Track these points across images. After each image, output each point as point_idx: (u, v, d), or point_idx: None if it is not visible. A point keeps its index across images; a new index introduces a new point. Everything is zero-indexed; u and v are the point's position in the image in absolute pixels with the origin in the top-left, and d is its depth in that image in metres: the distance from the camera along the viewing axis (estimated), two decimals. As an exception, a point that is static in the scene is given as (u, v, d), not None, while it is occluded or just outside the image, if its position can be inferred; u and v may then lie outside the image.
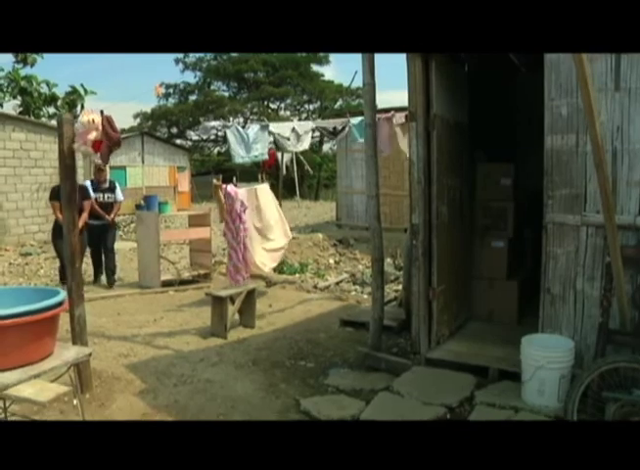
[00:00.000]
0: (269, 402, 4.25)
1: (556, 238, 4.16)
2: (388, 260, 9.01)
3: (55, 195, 7.24)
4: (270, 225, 7.27)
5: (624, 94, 3.90)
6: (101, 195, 8.21)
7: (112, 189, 8.36)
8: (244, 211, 6.44)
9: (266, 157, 7.07)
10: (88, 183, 8.32)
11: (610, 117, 3.94)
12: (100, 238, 8.18)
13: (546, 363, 3.85)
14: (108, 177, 8.51)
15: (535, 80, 4.18)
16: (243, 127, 6.82)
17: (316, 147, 32.15)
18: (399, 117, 6.64)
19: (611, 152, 3.94)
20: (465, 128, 5.34)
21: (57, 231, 7.42)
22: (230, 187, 6.48)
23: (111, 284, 8.24)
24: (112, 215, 8.28)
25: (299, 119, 14.99)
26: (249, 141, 6.34)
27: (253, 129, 6.48)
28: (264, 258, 7.14)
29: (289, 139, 6.72)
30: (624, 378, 3.56)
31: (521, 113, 6.35)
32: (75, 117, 4.34)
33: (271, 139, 6.72)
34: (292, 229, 14.01)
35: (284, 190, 21.01)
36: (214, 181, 6.58)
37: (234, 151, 6.36)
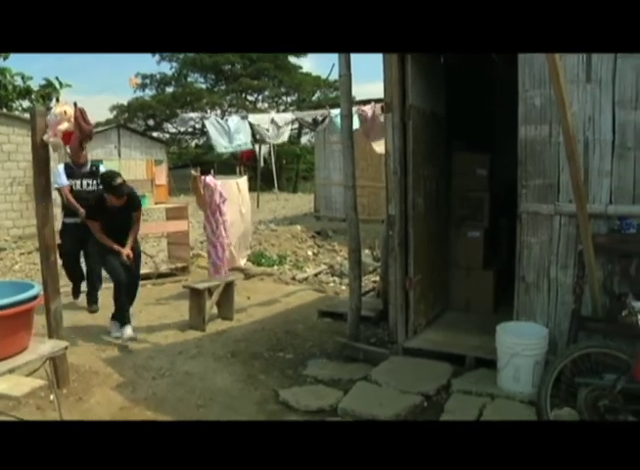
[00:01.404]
0: (248, 394, 4.26)
1: (530, 227, 4.22)
2: (367, 252, 9.05)
3: (94, 212, 5.46)
4: (247, 220, 7.28)
5: (595, 85, 3.96)
6: (78, 182, 6.21)
7: (93, 174, 6.26)
8: (223, 203, 6.41)
9: (250, 146, 7.04)
10: (61, 168, 6.31)
11: (581, 107, 4.01)
12: (78, 240, 6.13)
13: (521, 350, 3.92)
14: (89, 159, 6.43)
15: (513, 72, 4.22)
16: (221, 119, 6.78)
17: (295, 139, 32.06)
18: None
19: (583, 142, 4.01)
20: (441, 119, 5.38)
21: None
22: (209, 178, 6.44)
23: (91, 304, 6.48)
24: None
25: (278, 112, 14.94)
26: (230, 131, 6.31)
27: (234, 120, 6.46)
28: (242, 251, 7.13)
29: (268, 130, 6.69)
30: (596, 363, 3.65)
31: (498, 103, 6.41)
32: (49, 109, 4.28)
33: (254, 130, 6.69)
34: (270, 221, 14.11)
35: (262, 182, 21.01)
36: (192, 172, 6.52)
37: (215, 141, 6.33)
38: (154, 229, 10.51)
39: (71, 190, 6.23)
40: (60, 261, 5.83)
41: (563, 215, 4.09)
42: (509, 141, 4.33)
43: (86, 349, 5.15)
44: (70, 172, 6.29)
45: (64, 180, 6.26)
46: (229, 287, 6.13)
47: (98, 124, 27.79)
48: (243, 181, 7.28)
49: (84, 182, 6.31)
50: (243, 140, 6.48)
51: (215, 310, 6.12)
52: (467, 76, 5.84)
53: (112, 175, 5.34)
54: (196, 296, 5.82)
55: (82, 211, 5.91)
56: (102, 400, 4.12)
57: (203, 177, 6.39)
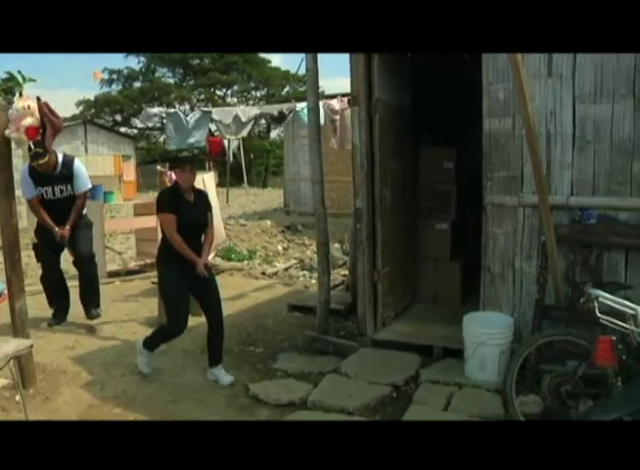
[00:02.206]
0: (218, 388, 4.26)
1: (495, 219, 4.30)
2: (337, 246, 9.09)
3: (165, 204, 4.18)
4: (214, 215, 7.22)
5: (556, 80, 4.05)
6: (49, 189, 5.14)
7: (65, 177, 5.19)
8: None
9: (204, 144, 7.02)
10: (25, 171, 5.15)
11: (543, 101, 4.09)
12: (58, 244, 5.35)
13: (487, 340, 3.99)
14: (59, 159, 5.20)
15: (479, 66, 4.28)
16: (186, 114, 6.75)
17: (264, 134, 31.95)
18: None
19: (545, 135, 4.09)
20: (408, 112, 5.43)
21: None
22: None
23: (93, 317, 5.62)
24: (68, 223, 5.22)
25: (247, 105, 14.90)
26: (188, 127, 6.28)
27: (195, 116, 6.43)
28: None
29: (229, 126, 6.68)
30: (559, 351, 3.73)
31: (465, 97, 6.48)
32: (10, 103, 4.19)
33: (213, 126, 6.67)
34: (239, 217, 14.04)
35: (231, 177, 20.89)
36: (159, 168, 6.47)
37: (169, 137, 6.31)
38: (122, 226, 10.40)
39: (42, 200, 5.17)
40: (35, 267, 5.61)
41: (526, 207, 4.17)
42: (475, 134, 4.39)
43: (53, 347, 5.07)
44: (37, 178, 5.11)
45: (30, 191, 5.16)
46: (198, 283, 6.09)
47: (64, 120, 27.38)
48: (209, 176, 7.23)
49: (56, 188, 5.19)
50: (196, 138, 6.45)
51: (185, 306, 6.07)
52: (433, 70, 5.89)
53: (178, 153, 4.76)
54: (165, 292, 5.77)
55: (57, 230, 5.12)
56: (70, 400, 4.07)
57: (169, 173, 6.34)
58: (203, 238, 4.35)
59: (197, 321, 5.85)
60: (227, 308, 6.31)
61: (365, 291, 4.78)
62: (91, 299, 5.61)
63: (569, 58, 3.98)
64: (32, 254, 5.81)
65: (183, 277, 4.16)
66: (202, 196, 4.41)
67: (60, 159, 5.21)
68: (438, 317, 5.05)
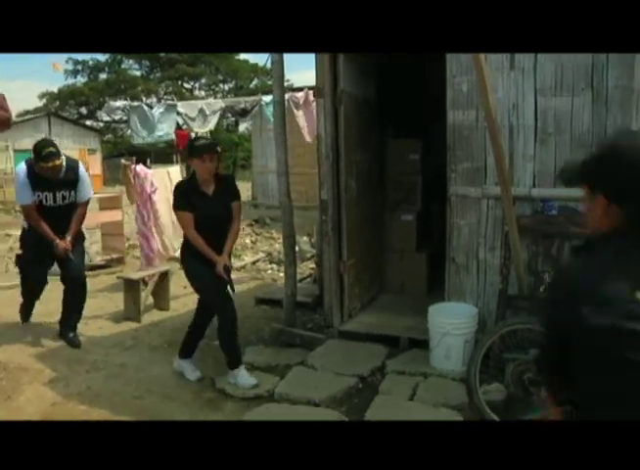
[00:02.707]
0: (185, 383, 4.23)
1: (459, 210, 4.34)
2: (305, 239, 9.08)
3: (180, 201, 3.90)
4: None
5: (519, 73, 4.10)
6: (49, 195, 4.55)
7: (70, 182, 4.62)
8: (154, 192, 6.30)
9: (172, 136, 6.95)
10: (22, 172, 4.49)
11: (506, 94, 4.14)
12: (47, 249, 4.68)
13: (451, 330, 4.04)
14: (62, 161, 4.54)
15: (443, 59, 4.31)
16: (151, 108, 6.67)
17: (232, 127, 31.72)
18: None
19: (507, 127, 4.14)
20: (373, 104, 5.44)
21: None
22: (140, 167, 6.31)
23: (75, 343, 4.92)
24: (69, 234, 4.69)
25: (215, 99, 14.76)
26: (153, 121, 6.20)
27: (159, 109, 6.35)
28: (175, 241, 7.02)
29: (194, 120, 6.62)
30: (522, 339, 3.80)
31: (431, 89, 6.51)
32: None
33: (179, 119, 6.60)
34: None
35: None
36: (123, 161, 6.38)
37: (134, 131, 6.23)
38: (87, 220, 10.22)
39: (40, 207, 4.55)
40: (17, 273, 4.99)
41: (490, 198, 4.22)
42: (441, 126, 4.42)
43: (15, 345, 4.97)
44: (37, 181, 4.48)
45: (27, 195, 4.52)
46: (164, 277, 6.04)
47: (27, 112, 26.76)
48: (175, 170, 7.16)
49: (58, 195, 4.59)
50: (165, 131, 6.38)
51: (151, 301, 6.03)
52: (399, 63, 5.90)
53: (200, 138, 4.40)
54: (130, 286, 5.72)
55: (58, 241, 4.61)
56: (32, 398, 4.00)
57: (133, 166, 6.26)
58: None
59: (164, 315, 5.82)
60: (193, 302, 6.27)
61: (331, 282, 4.79)
62: (72, 323, 5.06)
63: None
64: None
65: (210, 269, 3.89)
66: (225, 183, 4.05)
67: (64, 161, 4.60)
68: (404, 308, 5.09)
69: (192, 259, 3.96)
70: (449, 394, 3.78)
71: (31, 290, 5.12)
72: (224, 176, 4.20)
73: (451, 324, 4.05)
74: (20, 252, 5.02)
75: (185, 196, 3.87)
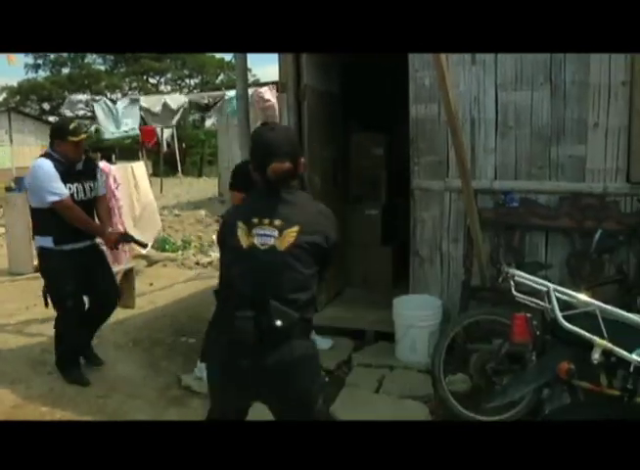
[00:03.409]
0: (150, 381, 4.19)
1: (422, 203, 4.38)
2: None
3: (240, 180, 3.74)
4: (144, 207, 7.06)
5: (480, 67, 4.15)
6: (79, 186, 3.99)
7: (91, 173, 4.14)
8: (117, 188, 6.21)
9: (137, 132, 6.84)
10: (47, 163, 3.87)
11: (467, 88, 4.19)
12: (87, 278, 4.05)
13: (416, 322, 4.08)
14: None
15: (407, 53, 4.33)
16: (114, 102, 6.56)
17: (199, 123, 31.45)
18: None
19: (469, 121, 4.20)
20: (337, 99, 5.44)
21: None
22: (103, 163, 6.21)
23: (99, 363, 4.42)
24: (109, 226, 4.28)
25: (180, 94, 14.62)
26: (117, 115, 6.09)
27: (123, 103, 6.24)
28: (143, 238, 6.94)
29: (158, 115, 6.52)
30: (485, 330, 3.86)
31: (396, 83, 6.54)
32: None
33: (142, 115, 6.50)
34: (174, 207, 13.80)
35: (166, 167, 20.46)
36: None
37: (103, 126, 6.12)
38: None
39: (72, 199, 3.94)
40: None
41: (453, 191, 4.27)
42: (406, 121, 4.44)
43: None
44: (64, 172, 3.92)
45: (61, 187, 3.87)
46: (129, 274, 5.97)
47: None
48: (138, 166, 7.06)
49: (86, 186, 4.06)
50: (130, 125, 6.28)
51: (116, 299, 5.94)
52: (364, 58, 5.90)
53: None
54: (94, 285, 5.62)
55: (111, 229, 4.17)
56: (-8, 400, 3.92)
57: (97, 162, 6.16)
58: None
59: (129, 313, 5.74)
60: (159, 300, 6.23)
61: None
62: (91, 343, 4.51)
63: (491, 46, 4.08)
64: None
65: None
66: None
67: None
68: (370, 301, 5.11)
69: None
70: (415, 385, 3.82)
71: (72, 321, 4.17)
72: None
73: (416, 317, 4.09)
74: (45, 285, 4.16)
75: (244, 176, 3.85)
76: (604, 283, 3.80)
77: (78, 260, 3.95)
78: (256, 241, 2.12)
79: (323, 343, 4.37)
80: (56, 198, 3.82)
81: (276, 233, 2.10)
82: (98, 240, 4.19)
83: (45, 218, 3.90)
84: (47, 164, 3.88)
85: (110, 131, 6.18)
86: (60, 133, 3.94)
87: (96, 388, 4.08)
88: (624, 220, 3.86)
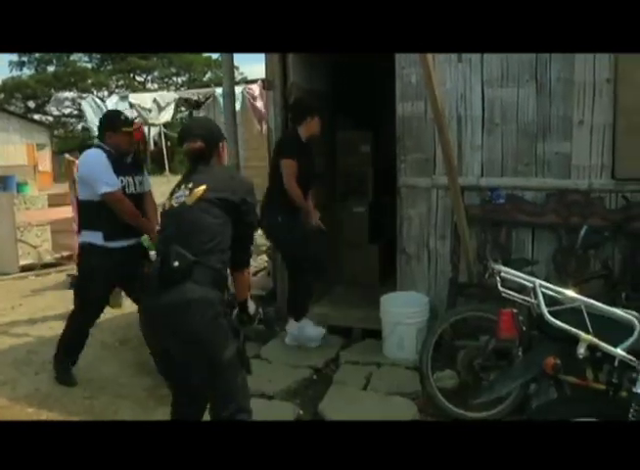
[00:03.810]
0: (138, 380, 4.17)
1: (409, 200, 4.39)
2: (260, 232, 9.02)
3: (294, 148, 4.26)
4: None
5: (466, 65, 4.16)
6: (130, 179, 3.90)
7: (138, 167, 4.08)
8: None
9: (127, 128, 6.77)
10: (99, 154, 3.80)
11: (454, 85, 4.20)
12: (124, 277, 3.87)
13: (404, 319, 4.08)
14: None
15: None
16: (102, 100, 6.51)
17: (186, 120, 31.29)
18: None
19: (456, 118, 4.21)
20: (325, 96, 5.43)
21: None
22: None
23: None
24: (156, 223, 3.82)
25: (168, 92, 14.56)
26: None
27: (112, 100, 6.20)
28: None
29: (150, 111, 6.47)
30: (472, 326, 3.87)
31: (383, 81, 6.53)
32: None
33: (134, 112, 6.44)
34: (161, 205, 13.67)
35: (153, 165, 20.33)
36: (67, 156, 6.21)
37: (92, 123, 6.06)
38: (35, 217, 9.97)
39: (124, 193, 3.86)
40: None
41: (439, 188, 4.28)
42: (393, 118, 4.45)
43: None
44: (116, 165, 3.83)
45: (114, 178, 3.78)
46: (116, 273, 5.92)
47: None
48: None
49: (136, 180, 3.97)
50: None
51: (103, 298, 5.90)
52: (351, 56, 5.89)
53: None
54: (81, 284, 5.58)
55: (152, 226, 3.88)
56: (-23, 402, 3.88)
57: (77, 161, 6.09)
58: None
59: (116, 313, 5.70)
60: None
61: (283, 275, 4.78)
62: None
63: (477, 44, 4.09)
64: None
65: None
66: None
67: None
68: (358, 299, 5.11)
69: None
70: (402, 382, 3.82)
71: (89, 317, 4.20)
72: None
73: (403, 314, 4.10)
74: (77, 282, 4.23)
75: (296, 146, 4.30)
76: (590, 279, 3.83)
77: (120, 259, 3.84)
78: (173, 202, 2.53)
79: (313, 331, 4.39)
80: (108, 189, 3.73)
81: (187, 193, 2.49)
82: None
83: (95, 212, 3.81)
84: (100, 155, 3.81)
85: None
86: (112, 124, 3.89)
87: (83, 388, 4.06)
88: (609, 216, 3.89)
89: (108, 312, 5.67)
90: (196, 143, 2.62)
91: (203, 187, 2.47)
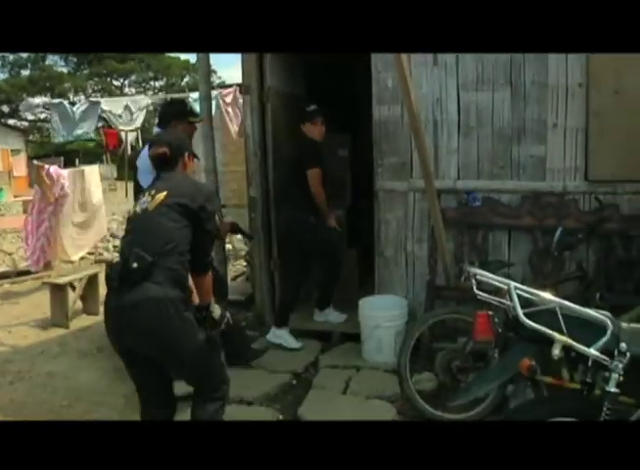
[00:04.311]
0: (115, 388, 4.12)
1: (387, 204, 4.40)
2: (238, 237, 8.99)
3: (317, 156, 4.55)
4: (92, 211, 6.92)
5: (442, 69, 4.19)
6: None
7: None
8: (62, 196, 6.08)
9: (91, 135, 6.74)
10: (144, 153, 3.41)
11: (430, 89, 4.22)
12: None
13: (382, 322, 4.09)
14: None
15: (370, 55, 4.34)
16: (73, 104, 6.43)
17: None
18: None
19: (432, 122, 4.23)
20: (301, 100, 5.42)
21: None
22: (53, 168, 6.07)
23: None
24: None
25: (144, 96, 14.45)
26: (74, 119, 5.98)
27: (82, 107, 6.12)
28: (74, 245, 6.78)
29: (120, 117, 6.42)
30: (450, 328, 3.90)
31: (360, 85, 6.54)
32: None
33: (105, 117, 6.39)
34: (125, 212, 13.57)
35: (131, 171, 20.06)
36: (35, 162, 6.13)
37: (55, 130, 6.00)
38: (9, 224, 9.87)
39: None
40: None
41: (416, 191, 4.30)
42: (371, 122, 4.46)
43: None
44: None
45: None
46: (93, 280, 5.87)
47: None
48: (91, 170, 6.91)
49: None
50: (85, 129, 6.16)
51: (80, 305, 5.84)
52: (328, 60, 5.90)
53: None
54: (57, 291, 5.53)
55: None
56: (-50, 413, 3.81)
57: (46, 167, 6.02)
58: None
59: (93, 320, 5.65)
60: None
61: (262, 280, 4.77)
62: None
63: (452, 47, 4.13)
64: None
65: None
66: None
67: None
68: (337, 303, 5.09)
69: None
70: (382, 385, 3.82)
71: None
72: None
73: (382, 317, 4.10)
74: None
75: (318, 153, 4.52)
76: (565, 280, 3.88)
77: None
78: (137, 208, 2.64)
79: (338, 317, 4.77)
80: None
81: (149, 199, 2.60)
82: None
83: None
84: (143, 155, 3.70)
85: (61, 134, 6.06)
86: (179, 113, 3.94)
87: (60, 397, 4.01)
88: (583, 218, 3.94)
89: (85, 320, 5.66)
90: (161, 148, 2.73)
91: (164, 193, 2.57)
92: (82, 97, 31.57)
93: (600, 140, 3.95)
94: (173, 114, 3.96)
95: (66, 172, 6.24)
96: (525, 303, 2.33)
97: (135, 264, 2.40)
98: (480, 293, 2.67)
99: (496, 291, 2.72)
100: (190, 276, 2.64)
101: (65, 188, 6.06)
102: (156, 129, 4.07)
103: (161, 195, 2.57)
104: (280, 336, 4.49)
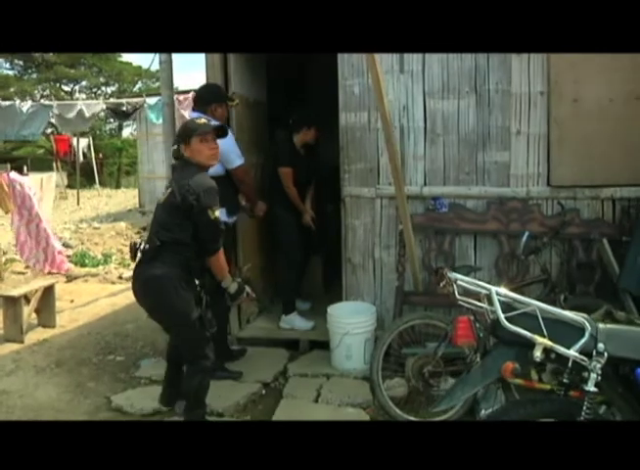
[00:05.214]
0: (77, 404, 3.96)
1: (354, 210, 4.39)
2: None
3: (289, 156, 4.83)
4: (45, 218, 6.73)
5: (408, 76, 4.23)
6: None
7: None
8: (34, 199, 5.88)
9: (38, 137, 6.53)
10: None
11: (397, 96, 4.25)
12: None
13: (351, 329, 4.06)
14: None
15: (335, 61, 4.34)
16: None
17: (115, 132, 30.51)
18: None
19: (399, 129, 4.25)
20: (265, 106, 5.39)
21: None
22: (13, 174, 5.85)
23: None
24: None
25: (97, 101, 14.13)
26: (20, 119, 5.74)
27: (31, 108, 5.89)
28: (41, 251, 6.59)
29: (71, 120, 6.22)
30: (419, 334, 3.91)
31: (325, 91, 6.54)
32: None
33: (53, 120, 6.18)
34: (92, 219, 13.27)
35: (82, 178, 19.64)
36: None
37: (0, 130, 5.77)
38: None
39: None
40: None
41: (383, 198, 4.31)
42: (335, 127, 4.45)
43: None
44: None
45: (241, 152, 4.12)
46: (49, 291, 5.64)
47: None
48: (49, 177, 6.71)
49: None
50: (31, 131, 5.94)
51: (35, 318, 5.61)
52: (292, 64, 5.89)
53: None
54: (10, 304, 5.28)
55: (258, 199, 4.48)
56: None
57: (5, 174, 5.79)
58: None
59: (50, 333, 5.44)
60: (82, 317, 5.94)
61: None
62: None
63: (418, 56, 4.19)
64: None
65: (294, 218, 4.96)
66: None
67: None
68: (303, 311, 5.06)
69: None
70: (353, 392, 3.80)
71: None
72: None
73: (350, 324, 4.08)
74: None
75: (291, 153, 4.81)
76: (530, 283, 3.95)
77: (227, 236, 3.98)
78: (160, 198, 3.22)
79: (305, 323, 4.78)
80: (242, 161, 4.03)
81: (164, 191, 3.20)
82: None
83: (221, 188, 3.33)
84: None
85: (5, 134, 5.84)
86: (218, 96, 4.05)
87: (15, 417, 3.80)
88: (546, 222, 4.03)
89: (41, 333, 5.44)
90: (174, 147, 3.22)
91: (170, 190, 3.10)
92: (30, 102, 30.67)
93: (560, 147, 4.05)
94: (213, 97, 4.01)
95: (27, 179, 6.00)
96: (505, 307, 2.34)
97: (147, 246, 3.07)
98: (461, 298, 2.69)
99: (471, 295, 2.74)
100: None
101: (32, 198, 5.83)
102: (193, 114, 3.96)
103: (168, 192, 3.12)
104: (289, 321, 4.77)
